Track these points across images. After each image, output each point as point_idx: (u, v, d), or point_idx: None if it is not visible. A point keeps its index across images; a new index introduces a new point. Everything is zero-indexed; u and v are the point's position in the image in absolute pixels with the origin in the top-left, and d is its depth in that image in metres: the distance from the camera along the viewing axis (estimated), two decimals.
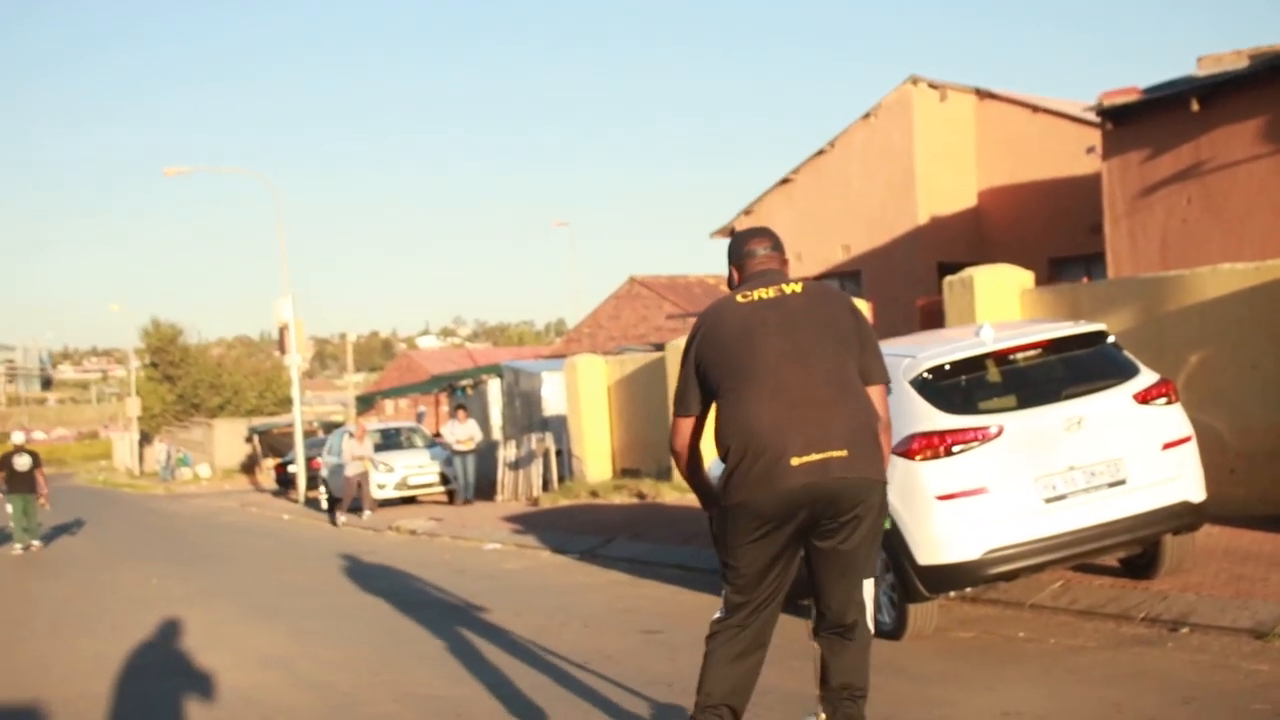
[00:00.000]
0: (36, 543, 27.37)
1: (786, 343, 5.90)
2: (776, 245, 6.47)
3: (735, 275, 6.42)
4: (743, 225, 32.61)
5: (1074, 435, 9.57)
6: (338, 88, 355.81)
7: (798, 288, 6.14)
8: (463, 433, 30.28)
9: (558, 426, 29.45)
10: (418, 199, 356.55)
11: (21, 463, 26.91)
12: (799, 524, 5.87)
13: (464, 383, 39.04)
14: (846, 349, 6.00)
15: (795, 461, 5.68)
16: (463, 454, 30.10)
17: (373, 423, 44.55)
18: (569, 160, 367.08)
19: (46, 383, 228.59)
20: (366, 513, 28.92)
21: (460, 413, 31.41)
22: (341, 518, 28.87)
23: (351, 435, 29.76)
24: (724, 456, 5.90)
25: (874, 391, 6.04)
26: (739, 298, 6.12)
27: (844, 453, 5.70)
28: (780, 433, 5.72)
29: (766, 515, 5.84)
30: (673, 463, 6.63)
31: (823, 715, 6.37)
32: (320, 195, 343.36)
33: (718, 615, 6.29)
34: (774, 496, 5.75)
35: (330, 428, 52.18)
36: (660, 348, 28.97)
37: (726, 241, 24.61)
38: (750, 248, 6.42)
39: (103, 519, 39.28)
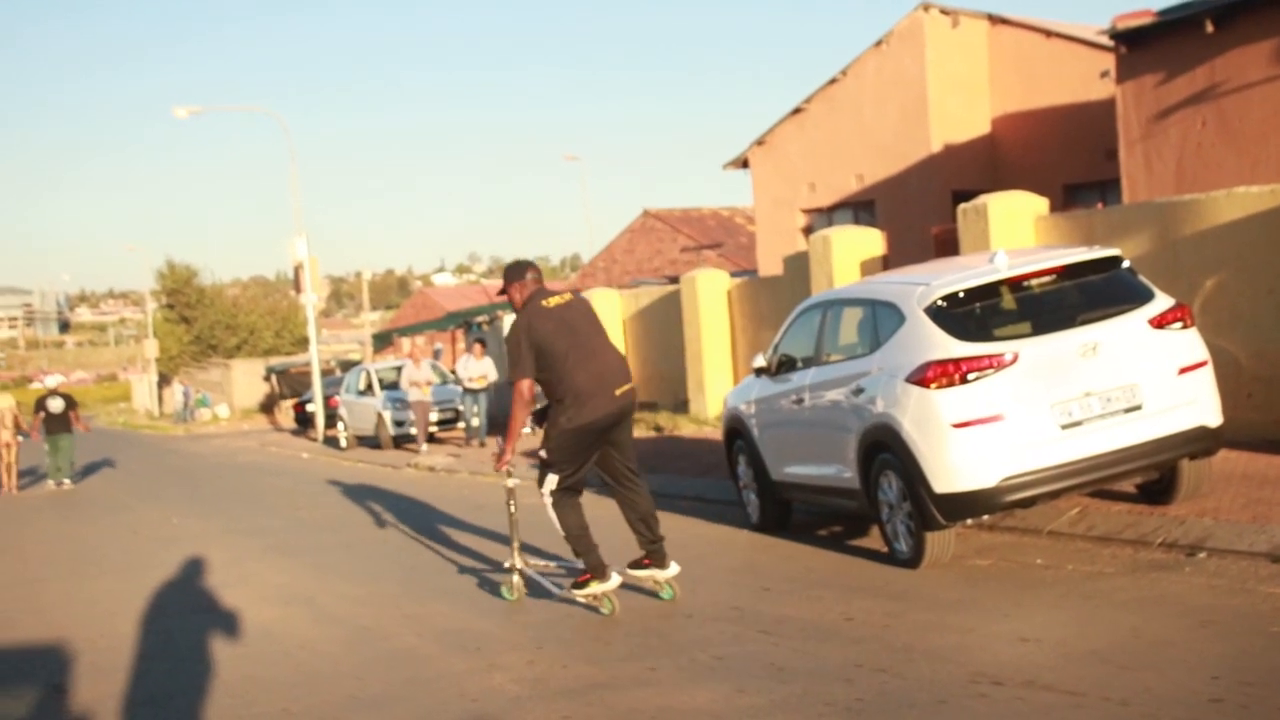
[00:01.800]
0: (67, 481, 28.56)
1: (586, 328, 9.85)
2: (539, 272, 10.24)
3: (519, 290, 10.03)
4: (756, 157, 32.46)
5: (1090, 361, 9.55)
6: (349, 25, 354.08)
7: (569, 296, 10.10)
8: (476, 369, 28.28)
9: None
10: (431, 136, 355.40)
11: (55, 405, 28.20)
12: (610, 427, 9.77)
13: (480, 319, 39.03)
14: (601, 326, 10.09)
15: (618, 392, 9.76)
16: (475, 392, 28.28)
17: (389, 360, 44.58)
18: (581, 94, 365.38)
19: (64, 326, 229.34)
20: (424, 446, 28.22)
21: (477, 347, 29.23)
22: (424, 447, 28.12)
23: (411, 359, 29.32)
24: (563, 400, 9.65)
25: None
26: (544, 303, 9.85)
27: (631, 385, 9.96)
28: (605, 378, 9.70)
29: (602, 426, 9.72)
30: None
31: (644, 555, 10.12)
32: (333, 133, 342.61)
33: (551, 489, 9.92)
34: (610, 414, 9.71)
35: (347, 366, 52.23)
36: (675, 281, 28.91)
37: (740, 172, 24.33)
38: (528, 274, 10.10)
39: (124, 460, 39.45)
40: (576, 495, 10.02)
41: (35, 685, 9.08)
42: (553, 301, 9.85)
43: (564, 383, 9.60)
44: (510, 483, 10.79)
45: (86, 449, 40.18)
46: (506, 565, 10.79)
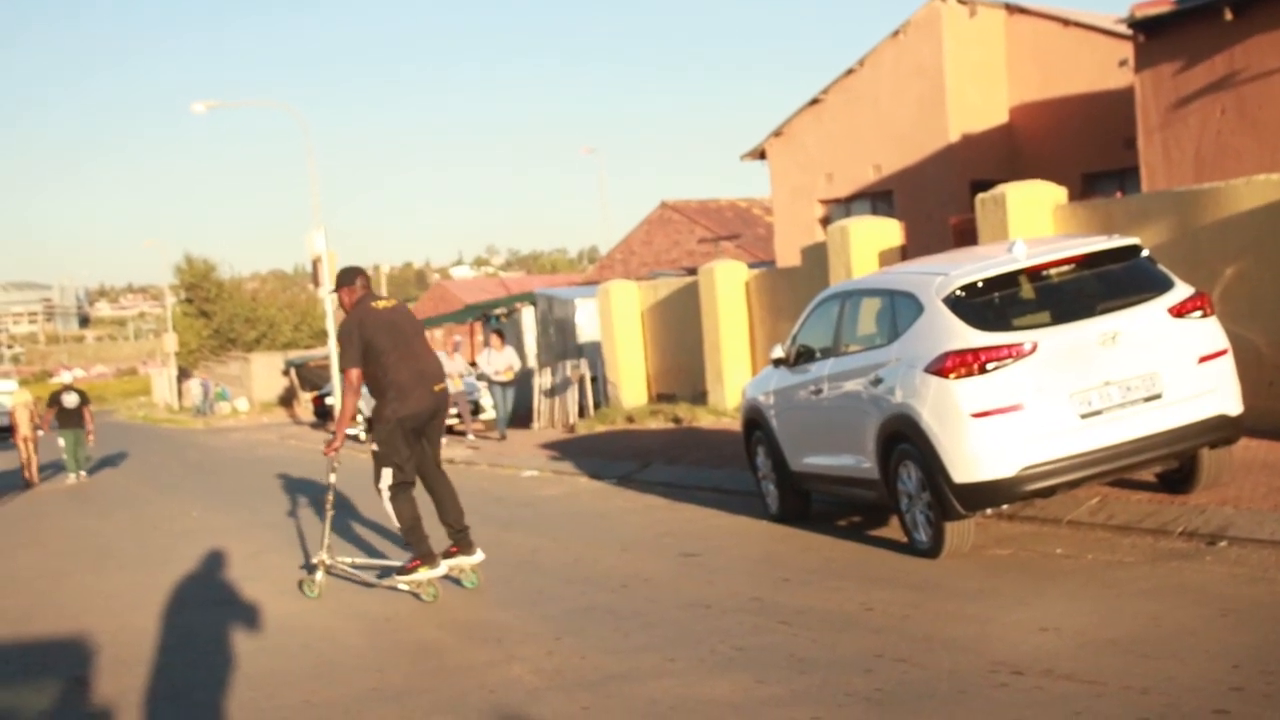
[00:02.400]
0: (82, 473, 29.06)
1: (408, 330, 10.89)
2: (368, 278, 11.24)
3: (349, 294, 10.95)
4: (773, 148, 32.43)
5: (1109, 350, 9.53)
6: (365, 19, 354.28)
7: (394, 302, 11.27)
8: (500, 362, 27.66)
9: (592, 353, 29.42)
10: (448, 129, 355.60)
11: (70, 400, 28.68)
12: (427, 420, 10.81)
13: (498, 311, 39.04)
14: (421, 330, 11.18)
15: (436, 388, 10.79)
16: (502, 384, 27.68)
17: None
18: (598, 87, 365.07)
19: (84, 320, 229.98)
20: (470, 435, 27.99)
21: (495, 339, 28.73)
22: (462, 436, 27.85)
23: (445, 351, 29.04)
24: (386, 393, 10.61)
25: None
26: (374, 304, 10.87)
27: (444, 384, 10.96)
28: (424, 375, 10.74)
29: (423, 418, 10.76)
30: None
31: (451, 544, 10.97)
32: (351, 127, 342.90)
33: (389, 484, 10.72)
34: (428, 406, 10.75)
35: None
36: (693, 272, 28.88)
37: (758, 164, 24.26)
38: (358, 280, 11.05)
39: (144, 454, 39.57)
40: (410, 488, 10.88)
41: (57, 678, 9.13)
42: (381, 304, 10.94)
43: (388, 376, 10.61)
44: (332, 478, 11.55)
45: (106, 443, 40.38)
46: (314, 561, 11.44)
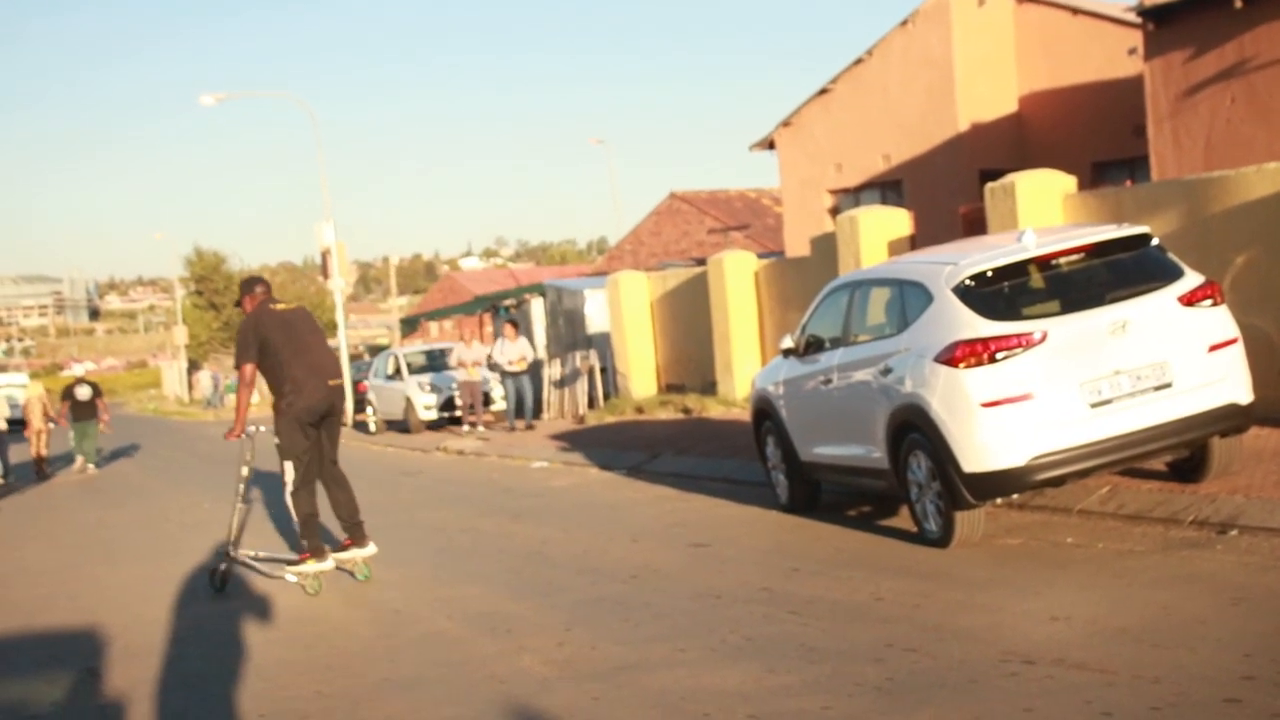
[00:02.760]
0: (91, 466, 29.38)
1: (304, 329, 11.40)
2: (268, 286, 11.91)
3: (251, 301, 11.59)
4: (782, 138, 32.40)
5: (1119, 339, 9.52)
6: (374, 10, 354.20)
7: (294, 305, 11.85)
8: (514, 352, 26.89)
9: (602, 344, 29.41)
10: (457, 120, 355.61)
11: (83, 393, 28.99)
12: (324, 415, 11.34)
13: (507, 302, 39.07)
14: (321, 332, 11.74)
15: (331, 382, 11.34)
16: (515, 375, 26.84)
17: (416, 344, 44.66)
18: (607, 78, 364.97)
19: (94, 313, 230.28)
20: (480, 426, 27.41)
21: (509, 329, 27.68)
22: (465, 428, 27.61)
23: (462, 341, 28.61)
24: (283, 387, 11.15)
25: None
26: (271, 307, 11.44)
27: (340, 380, 11.53)
28: (319, 370, 11.28)
29: (319, 411, 11.26)
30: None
31: (346, 538, 11.64)
32: (359, 118, 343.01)
33: (292, 478, 11.27)
34: (324, 399, 11.25)
35: (375, 351, 52.39)
36: (702, 263, 28.87)
37: (767, 154, 24.23)
38: (258, 288, 11.72)
39: (154, 447, 39.63)
40: (311, 485, 11.47)
41: (70, 669, 9.14)
42: (279, 307, 11.57)
43: (284, 372, 11.17)
44: (244, 470, 12.04)
45: (116, 436, 40.58)
46: (222, 553, 11.82)
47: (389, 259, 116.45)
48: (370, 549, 11.57)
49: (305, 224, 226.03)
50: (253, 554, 11.89)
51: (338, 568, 11.51)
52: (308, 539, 11.35)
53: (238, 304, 12.07)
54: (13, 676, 9.25)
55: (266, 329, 11.22)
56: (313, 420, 11.26)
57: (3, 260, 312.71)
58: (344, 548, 11.61)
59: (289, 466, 11.28)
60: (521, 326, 32.94)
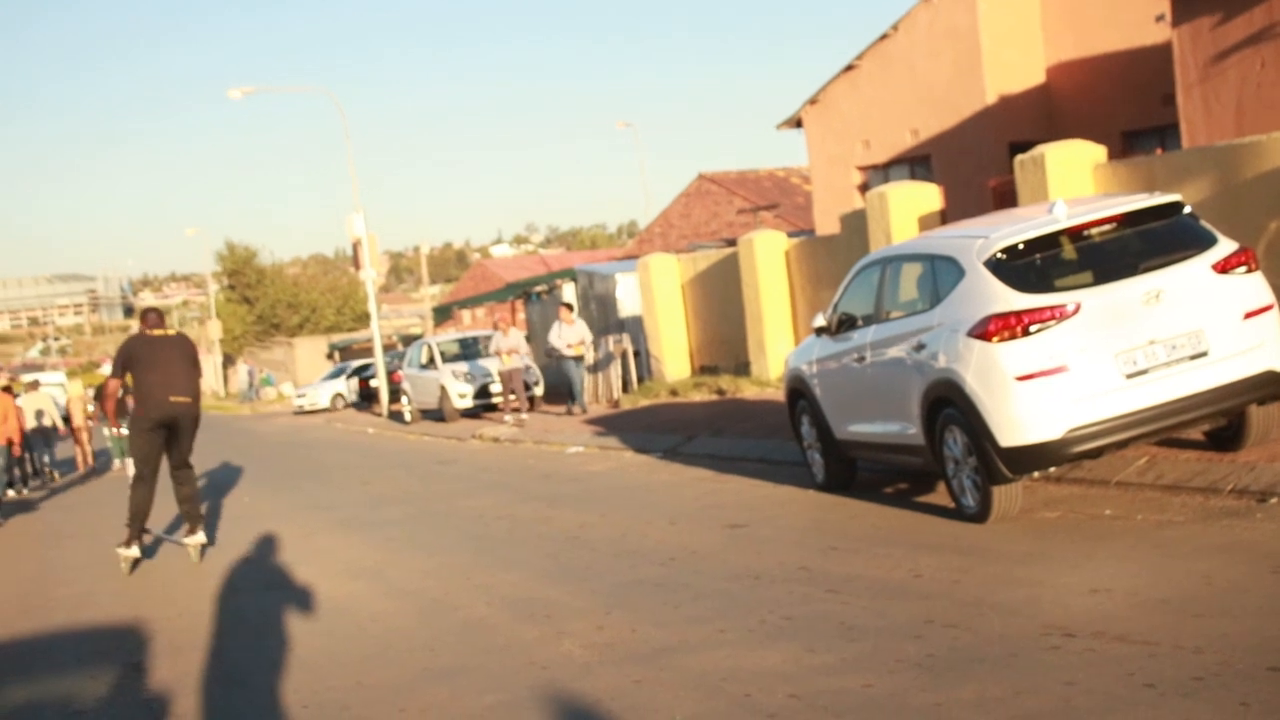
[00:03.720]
0: (129, 460, 28.80)
1: (168, 354, 13.48)
2: (162, 315, 14.29)
3: (141, 325, 13.81)
4: (810, 116, 32.28)
5: (1153, 309, 9.46)
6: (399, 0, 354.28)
7: (172, 331, 14.11)
8: (572, 335, 26.49)
9: (634, 327, 29.42)
10: (483, 108, 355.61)
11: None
12: (167, 424, 13.37)
13: (539, 288, 39.08)
14: (188, 357, 13.68)
15: (172, 399, 13.25)
16: (575, 359, 26.53)
17: (449, 333, 44.73)
18: (632, 61, 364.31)
19: (128, 310, 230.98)
20: (523, 415, 26.75)
21: (564, 311, 27.03)
22: (509, 416, 26.92)
23: (498, 328, 28.16)
24: (137, 396, 13.46)
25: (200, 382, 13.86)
26: (149, 333, 13.58)
27: (187, 398, 13.43)
28: (166, 388, 13.28)
29: (157, 421, 13.31)
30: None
31: (186, 525, 13.92)
32: (386, 109, 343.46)
33: (133, 472, 13.79)
34: (164, 413, 13.28)
35: (409, 340, 52.58)
36: (732, 243, 28.82)
37: (794, 132, 24.14)
38: (152, 317, 13.97)
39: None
40: (147, 480, 13.56)
41: (114, 664, 9.20)
42: (155, 333, 13.71)
43: (138, 385, 13.41)
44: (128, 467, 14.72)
45: None
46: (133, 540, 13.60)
47: (420, 248, 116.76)
48: (200, 537, 13.88)
49: (336, 216, 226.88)
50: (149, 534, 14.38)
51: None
52: (130, 526, 13.57)
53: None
54: (58, 672, 9.32)
55: (134, 350, 13.57)
56: (154, 426, 13.45)
57: (37, 260, 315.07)
58: (188, 533, 13.90)
59: (130, 461, 14.06)
60: (553, 313, 32.82)
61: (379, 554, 12.89)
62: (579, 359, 26.55)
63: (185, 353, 13.72)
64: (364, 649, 8.80)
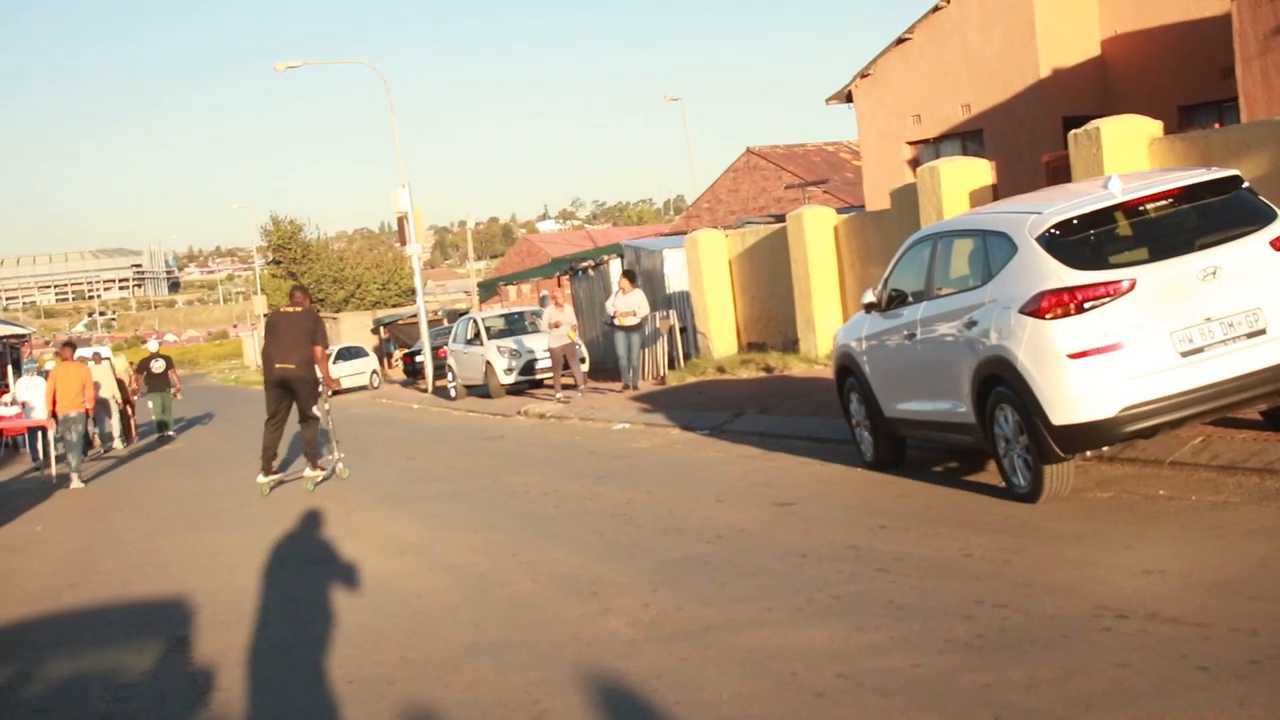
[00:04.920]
0: (171, 432, 32.33)
1: (287, 326, 16.86)
2: (303, 293, 17.81)
3: (289, 299, 17.58)
4: (860, 90, 32.10)
5: (1209, 286, 9.30)
6: None
7: (299, 308, 17.22)
8: (625, 305, 25.92)
9: (681, 303, 29.35)
10: (530, 82, 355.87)
11: (157, 366, 32.00)
12: (281, 384, 16.77)
13: (585, 264, 39.04)
14: (304, 330, 16.69)
15: (278, 365, 16.67)
16: (627, 330, 26.00)
17: (495, 309, 44.76)
18: (681, 34, 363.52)
19: (174, 285, 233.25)
20: (579, 392, 26.23)
21: (624, 281, 26.58)
22: (560, 394, 26.43)
23: (553, 301, 27.50)
24: (263, 365, 17.21)
25: (316, 350, 16.84)
26: (282, 309, 17.36)
27: (291, 365, 16.61)
28: (276, 356, 16.69)
29: (274, 381, 16.80)
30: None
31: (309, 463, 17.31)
32: (432, 83, 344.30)
33: (266, 418, 17.22)
34: (276, 376, 16.74)
35: (454, 316, 52.65)
36: (781, 219, 28.68)
37: (844, 107, 24.03)
38: (296, 294, 17.44)
39: (237, 417, 40.09)
40: (273, 426, 17.20)
41: (159, 638, 9.22)
42: (286, 309, 17.41)
43: (263, 353, 17.44)
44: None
45: (199, 405, 41.17)
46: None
47: (466, 223, 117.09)
48: (317, 472, 17.31)
49: (382, 190, 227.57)
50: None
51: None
52: (263, 459, 17.19)
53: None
54: (105, 646, 9.35)
55: (268, 325, 17.58)
56: (274, 385, 17.03)
57: (83, 234, 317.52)
58: (315, 468, 17.33)
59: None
60: (599, 287, 32.76)
61: (424, 530, 12.88)
62: (631, 330, 25.96)
63: (302, 327, 16.83)
64: (409, 624, 8.78)
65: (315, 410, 17.26)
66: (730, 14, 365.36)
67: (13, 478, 24.69)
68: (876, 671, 6.39)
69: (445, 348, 35.78)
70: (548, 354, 28.15)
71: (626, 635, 7.73)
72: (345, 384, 45.56)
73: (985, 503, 10.31)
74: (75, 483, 21.57)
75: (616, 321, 25.92)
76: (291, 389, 16.80)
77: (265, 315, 16.60)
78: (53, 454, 23.51)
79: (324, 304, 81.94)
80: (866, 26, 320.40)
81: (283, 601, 10.01)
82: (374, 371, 50.40)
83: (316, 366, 16.96)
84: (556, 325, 26.36)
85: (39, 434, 26.11)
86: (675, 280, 30.28)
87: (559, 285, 44.17)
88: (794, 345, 24.68)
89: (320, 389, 17.42)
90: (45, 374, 29.01)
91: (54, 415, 22.25)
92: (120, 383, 31.75)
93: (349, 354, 49.92)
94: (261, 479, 17.07)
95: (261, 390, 18.98)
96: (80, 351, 28.54)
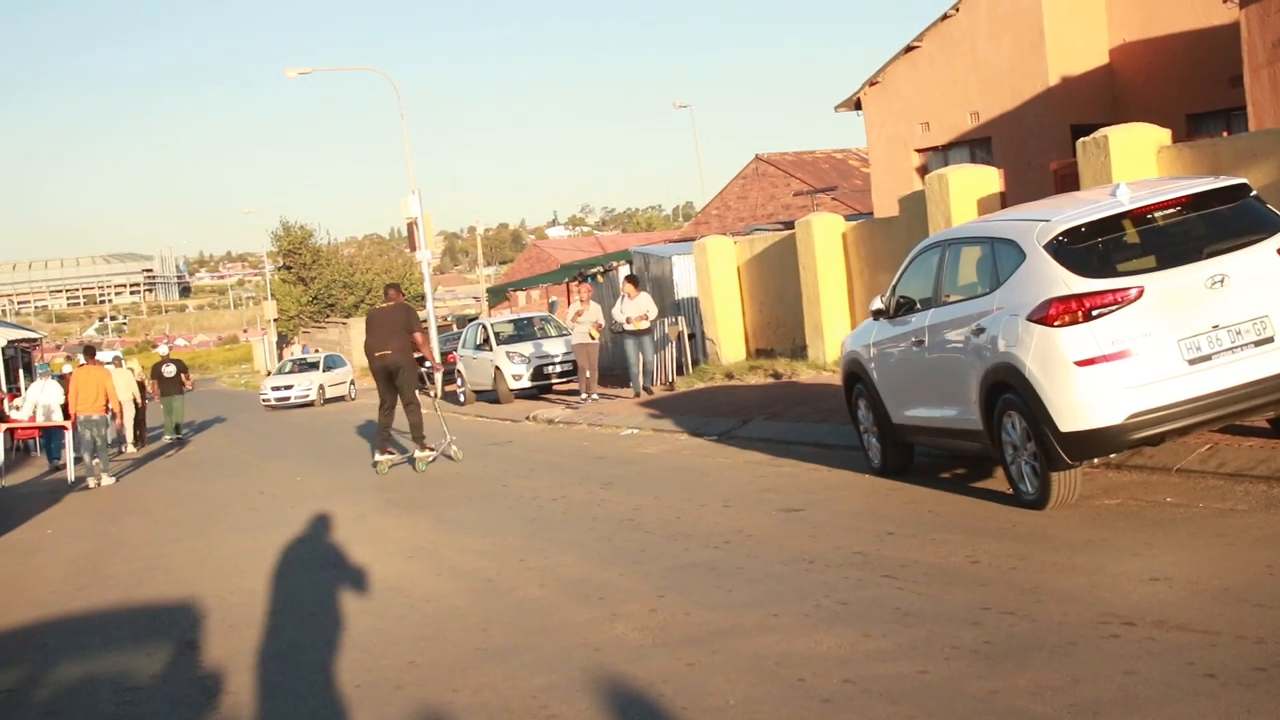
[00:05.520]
0: (181, 435, 32.58)
1: (383, 320, 19.14)
2: (397, 289, 20.15)
3: (384, 296, 20.07)
4: (869, 97, 32.10)
5: (1217, 294, 9.31)
6: None
7: (392, 303, 19.40)
8: (634, 310, 25.44)
9: (690, 310, 29.37)
10: (540, 89, 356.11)
11: (168, 370, 32.02)
12: (383, 372, 18.94)
13: (594, 270, 39.06)
14: (398, 322, 18.98)
15: (377, 354, 18.91)
16: (637, 334, 25.51)
17: (504, 314, 44.78)
18: (689, 41, 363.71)
19: (185, 290, 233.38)
20: (593, 396, 25.81)
21: (629, 286, 26.02)
22: (585, 395, 26.00)
23: (578, 297, 27.06)
24: (367, 356, 19.49)
25: (416, 336, 19.37)
26: (379, 305, 19.67)
27: (388, 352, 18.78)
28: (375, 347, 18.95)
29: (377, 368, 19.02)
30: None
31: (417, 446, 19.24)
32: (442, 90, 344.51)
33: (378, 404, 19.52)
34: (378, 364, 18.95)
35: (464, 321, 52.68)
36: (790, 226, 28.69)
37: (852, 114, 24.01)
38: (390, 292, 19.84)
39: (247, 421, 40.17)
40: (386, 410, 19.37)
41: (169, 641, 9.24)
42: (382, 305, 19.57)
43: (365, 341, 19.41)
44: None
45: (209, 409, 41.21)
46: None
47: (475, 229, 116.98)
48: (426, 453, 19.02)
49: (392, 196, 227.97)
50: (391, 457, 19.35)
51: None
52: (378, 441, 19.46)
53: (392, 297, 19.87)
54: (113, 648, 9.37)
55: (368, 320, 19.61)
56: (378, 371, 19.03)
57: (95, 239, 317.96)
58: (423, 449, 19.06)
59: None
60: (608, 294, 32.76)
61: (433, 534, 12.91)
62: (641, 334, 25.56)
63: (396, 319, 18.97)
64: (417, 629, 8.81)
65: (421, 395, 19.70)
66: (739, 21, 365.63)
67: (23, 481, 24.72)
68: (883, 678, 6.40)
69: (454, 353, 35.81)
70: (556, 359, 28.23)
71: (634, 640, 7.75)
72: (329, 393, 46.87)
73: (992, 509, 10.32)
74: (105, 479, 22.26)
75: (629, 327, 25.46)
76: (395, 376, 18.74)
77: (368, 312, 20.57)
78: (70, 456, 23.79)
79: (333, 309, 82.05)
80: (876, 34, 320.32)
81: (291, 605, 10.04)
82: (352, 382, 49.92)
83: (416, 351, 19.42)
84: (580, 315, 25.95)
85: (53, 436, 26.46)
86: (684, 286, 30.31)
87: (568, 291, 44.21)
88: (802, 352, 24.68)
89: (425, 368, 20.43)
90: (60, 378, 29.47)
91: (72, 417, 22.58)
92: (141, 385, 32.56)
93: (330, 364, 49.55)
94: (379, 458, 19.17)
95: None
96: (99, 356, 28.73)
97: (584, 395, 26.23)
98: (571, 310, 26.64)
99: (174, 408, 32.17)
